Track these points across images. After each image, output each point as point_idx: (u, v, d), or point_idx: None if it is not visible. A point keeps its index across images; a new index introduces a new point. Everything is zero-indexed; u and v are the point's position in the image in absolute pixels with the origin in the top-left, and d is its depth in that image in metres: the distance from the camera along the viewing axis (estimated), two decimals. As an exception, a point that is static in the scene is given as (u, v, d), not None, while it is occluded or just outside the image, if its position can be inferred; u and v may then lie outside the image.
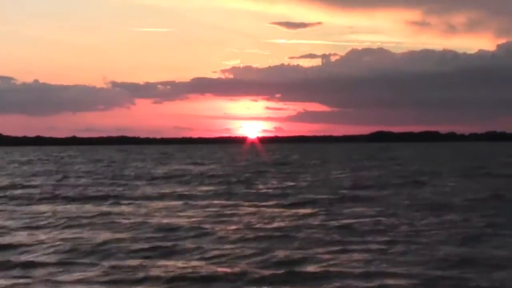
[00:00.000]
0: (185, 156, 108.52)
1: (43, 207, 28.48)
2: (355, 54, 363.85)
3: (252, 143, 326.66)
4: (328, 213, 25.30)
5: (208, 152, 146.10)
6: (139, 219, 23.81)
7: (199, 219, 23.97)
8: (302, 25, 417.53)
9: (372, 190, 35.22)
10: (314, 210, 26.21)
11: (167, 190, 36.80)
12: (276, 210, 26.57)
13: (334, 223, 22.43)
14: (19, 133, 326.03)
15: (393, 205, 27.56)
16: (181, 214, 25.53)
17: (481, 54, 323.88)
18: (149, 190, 37.30)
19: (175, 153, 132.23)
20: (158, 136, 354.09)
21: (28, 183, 43.01)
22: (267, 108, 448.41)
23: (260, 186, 39.07)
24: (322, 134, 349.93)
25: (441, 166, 61.62)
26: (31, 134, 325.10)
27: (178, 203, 29.84)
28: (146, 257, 16.76)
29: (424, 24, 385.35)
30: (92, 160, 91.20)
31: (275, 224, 22.40)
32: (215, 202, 30.09)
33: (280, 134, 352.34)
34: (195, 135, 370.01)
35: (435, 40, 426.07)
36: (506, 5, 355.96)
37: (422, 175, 46.78)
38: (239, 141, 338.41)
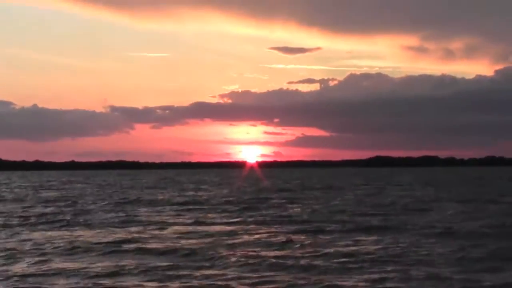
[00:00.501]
0: (187, 181, 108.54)
1: (52, 233, 28.70)
2: (353, 79, 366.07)
3: (252, 167, 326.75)
4: (332, 240, 25.50)
5: (209, 177, 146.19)
6: (146, 246, 24.05)
7: (203, 245, 24.15)
8: (301, 50, 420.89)
9: (375, 216, 35.40)
10: (318, 237, 26.43)
11: (171, 216, 37.02)
12: (280, 237, 26.70)
13: (338, 250, 22.64)
14: (18, 158, 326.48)
15: (397, 232, 27.78)
16: (183, 241, 25.70)
17: (479, 79, 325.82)
18: (153, 216, 37.49)
19: (177, 178, 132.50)
20: (157, 161, 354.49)
21: (38, 210, 43.18)
22: (266, 132, 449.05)
23: (264, 212, 39.26)
24: (320, 159, 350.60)
25: (445, 191, 61.89)
26: (30, 158, 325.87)
27: (183, 228, 30.04)
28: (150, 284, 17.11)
29: (422, 50, 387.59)
30: (97, 185, 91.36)
31: (278, 252, 22.58)
32: (218, 228, 30.30)
33: (279, 159, 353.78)
34: (194, 159, 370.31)
35: (433, 66, 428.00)
36: (503, 32, 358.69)
37: (427, 201, 47.06)
38: (239, 165, 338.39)
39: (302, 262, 20.33)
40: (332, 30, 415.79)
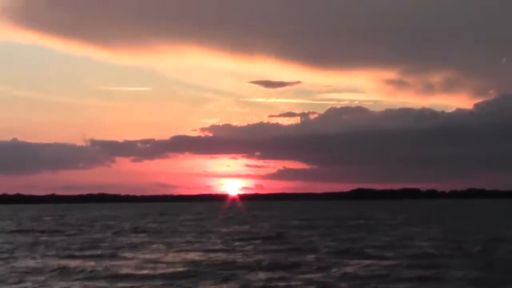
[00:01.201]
0: (179, 214, 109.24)
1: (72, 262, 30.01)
2: (333, 113, 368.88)
3: (233, 200, 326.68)
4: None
5: (202, 209, 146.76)
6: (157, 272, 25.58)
7: (207, 269, 25.74)
8: (281, 84, 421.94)
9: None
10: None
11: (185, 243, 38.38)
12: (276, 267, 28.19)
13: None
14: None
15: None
16: (187, 266, 27.18)
17: (459, 113, 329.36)
18: (162, 243, 38.78)
19: (167, 210, 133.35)
20: (138, 194, 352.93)
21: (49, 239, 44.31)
22: (247, 165, 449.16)
23: (258, 242, 40.66)
24: (302, 191, 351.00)
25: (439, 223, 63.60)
26: (11, 192, 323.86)
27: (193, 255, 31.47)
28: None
29: (402, 83, 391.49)
30: (88, 219, 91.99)
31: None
32: (220, 255, 31.80)
33: (260, 191, 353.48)
34: (176, 192, 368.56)
35: (413, 99, 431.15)
36: (482, 66, 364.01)
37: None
38: (220, 198, 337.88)
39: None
40: (312, 64, 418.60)
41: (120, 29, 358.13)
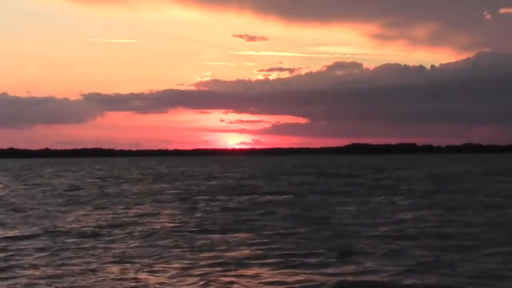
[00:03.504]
0: (202, 172, 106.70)
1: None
2: (326, 67, 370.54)
3: (231, 155, 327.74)
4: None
5: (222, 165, 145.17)
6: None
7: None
8: (271, 37, 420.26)
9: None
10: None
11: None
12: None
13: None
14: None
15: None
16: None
17: (450, 67, 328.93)
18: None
19: (184, 167, 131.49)
20: (133, 148, 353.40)
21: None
22: (241, 121, 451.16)
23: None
24: (298, 146, 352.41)
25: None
26: (4, 146, 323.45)
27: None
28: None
29: (386, 37, 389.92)
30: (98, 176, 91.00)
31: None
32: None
33: (257, 146, 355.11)
34: (171, 147, 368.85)
35: (402, 53, 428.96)
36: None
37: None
38: (217, 153, 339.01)
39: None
40: (290, 18, 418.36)
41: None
